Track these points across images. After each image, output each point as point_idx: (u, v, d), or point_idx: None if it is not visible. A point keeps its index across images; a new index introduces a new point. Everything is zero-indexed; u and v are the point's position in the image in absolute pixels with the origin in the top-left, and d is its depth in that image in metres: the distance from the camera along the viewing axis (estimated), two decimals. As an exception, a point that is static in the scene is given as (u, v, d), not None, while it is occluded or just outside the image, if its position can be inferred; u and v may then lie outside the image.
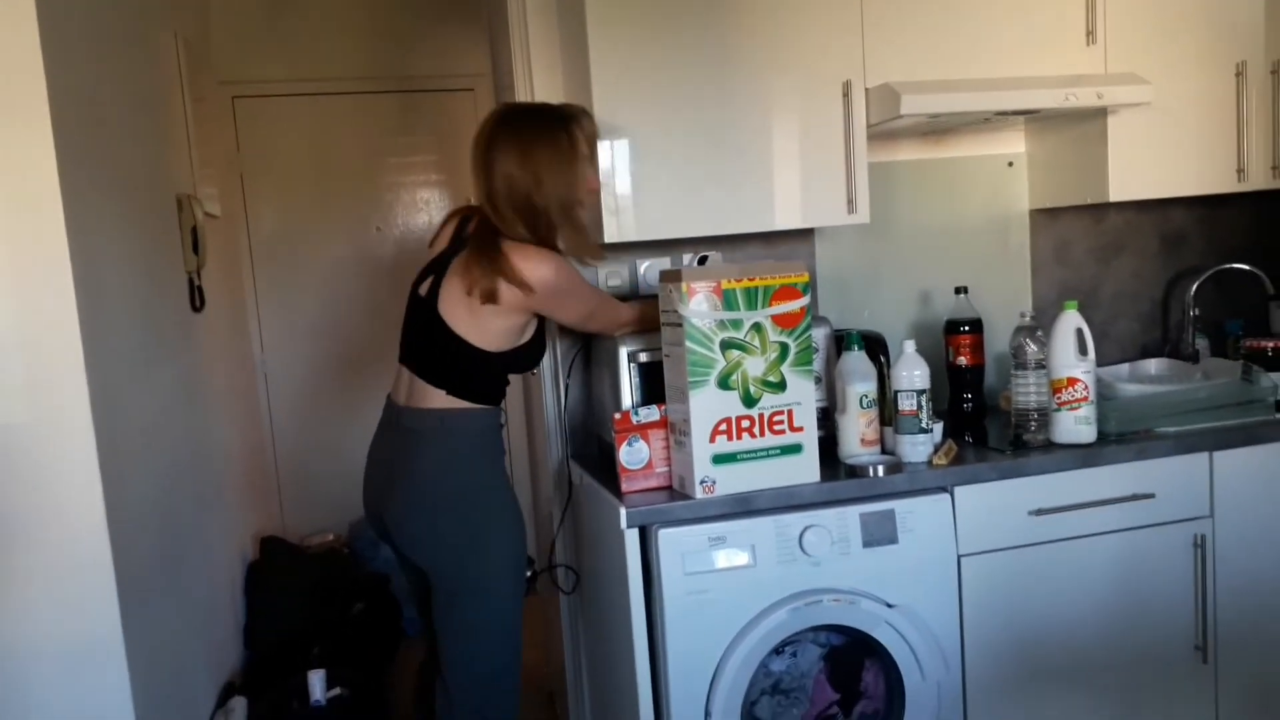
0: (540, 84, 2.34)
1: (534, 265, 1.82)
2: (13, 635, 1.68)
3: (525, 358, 1.95)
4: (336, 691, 2.46)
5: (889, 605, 1.95)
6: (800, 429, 1.93)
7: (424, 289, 1.91)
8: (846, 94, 2.15)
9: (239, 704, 2.35)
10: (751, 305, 1.88)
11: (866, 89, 2.17)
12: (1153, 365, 2.62)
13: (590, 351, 2.35)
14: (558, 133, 1.86)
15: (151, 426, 2.10)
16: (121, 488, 1.81)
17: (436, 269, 1.91)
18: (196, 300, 2.66)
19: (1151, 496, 2.10)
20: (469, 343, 1.85)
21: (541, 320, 1.96)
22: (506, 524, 1.92)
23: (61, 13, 1.75)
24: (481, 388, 1.91)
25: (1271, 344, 2.33)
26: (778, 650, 1.97)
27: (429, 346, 1.89)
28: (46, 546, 1.68)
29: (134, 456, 1.93)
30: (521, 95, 2.35)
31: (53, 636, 1.69)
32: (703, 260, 2.41)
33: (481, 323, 1.84)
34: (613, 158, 2.07)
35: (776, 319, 1.90)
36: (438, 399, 1.88)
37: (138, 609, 1.83)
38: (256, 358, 4.11)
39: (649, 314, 2.02)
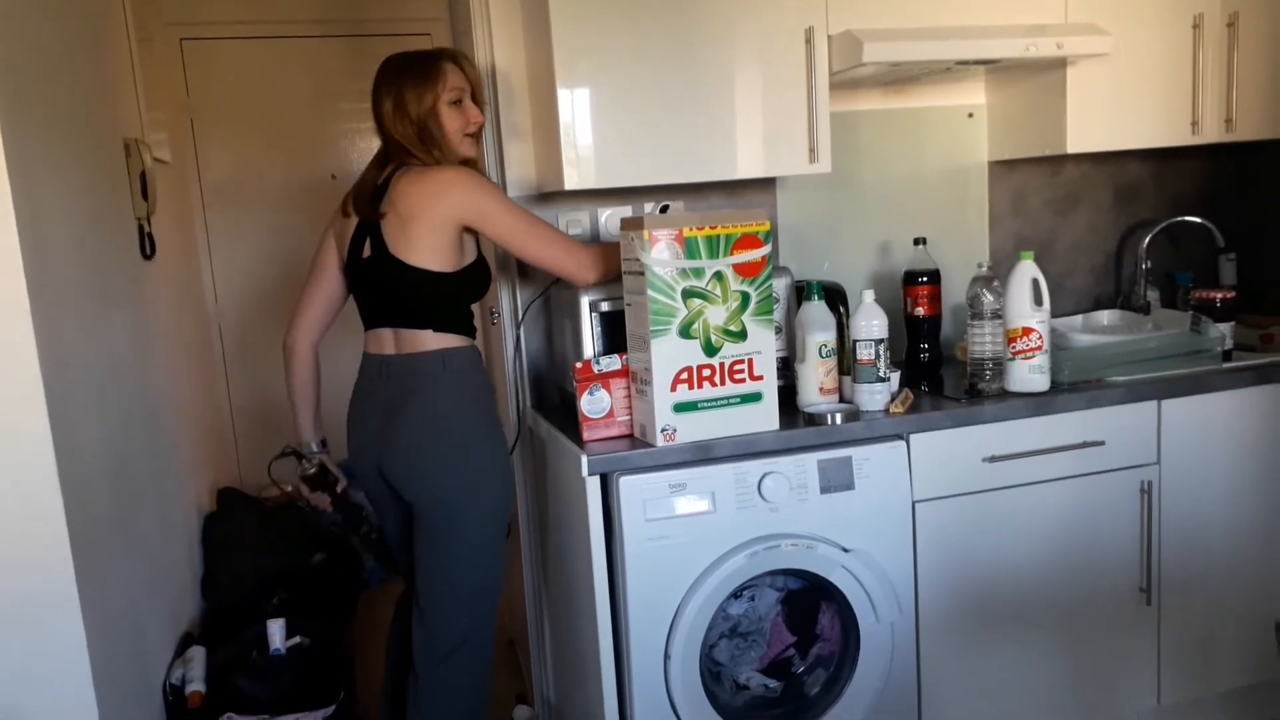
0: (499, 30, 2.29)
1: (432, 174, 1.95)
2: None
3: (475, 278, 2.02)
4: (296, 640, 2.45)
5: (845, 550, 1.98)
6: (760, 378, 1.94)
7: (366, 251, 1.98)
8: (809, 40, 2.14)
9: (197, 653, 2.34)
10: (713, 254, 1.87)
11: (829, 36, 2.15)
12: (1105, 316, 2.67)
13: (551, 301, 2.34)
14: (424, 62, 1.99)
15: (102, 377, 2.06)
16: (72, 439, 1.77)
17: (369, 231, 1.97)
18: (146, 247, 2.60)
19: (1101, 444, 2.15)
20: (427, 269, 1.93)
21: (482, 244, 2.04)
22: (503, 460, 2.04)
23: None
24: (455, 313, 2.01)
25: (1220, 295, 2.38)
26: (736, 594, 2.00)
27: (399, 293, 1.97)
28: (-2, 500, 1.65)
29: (84, 407, 1.89)
30: (479, 41, 2.31)
31: (5, 591, 1.66)
32: (664, 209, 2.40)
33: (423, 245, 1.92)
34: (574, 105, 2.05)
35: (738, 268, 1.90)
36: (428, 340, 1.98)
37: (92, 562, 1.80)
38: (210, 307, 4.04)
39: (611, 255, 2.01)
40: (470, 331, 2.04)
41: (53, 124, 1.93)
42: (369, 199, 1.98)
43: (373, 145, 2.05)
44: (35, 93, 1.83)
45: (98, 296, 2.10)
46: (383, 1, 3.97)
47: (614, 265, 2.00)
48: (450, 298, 1.99)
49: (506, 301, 2.40)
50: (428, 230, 1.92)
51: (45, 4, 1.99)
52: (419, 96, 1.96)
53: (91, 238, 2.11)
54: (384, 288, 1.99)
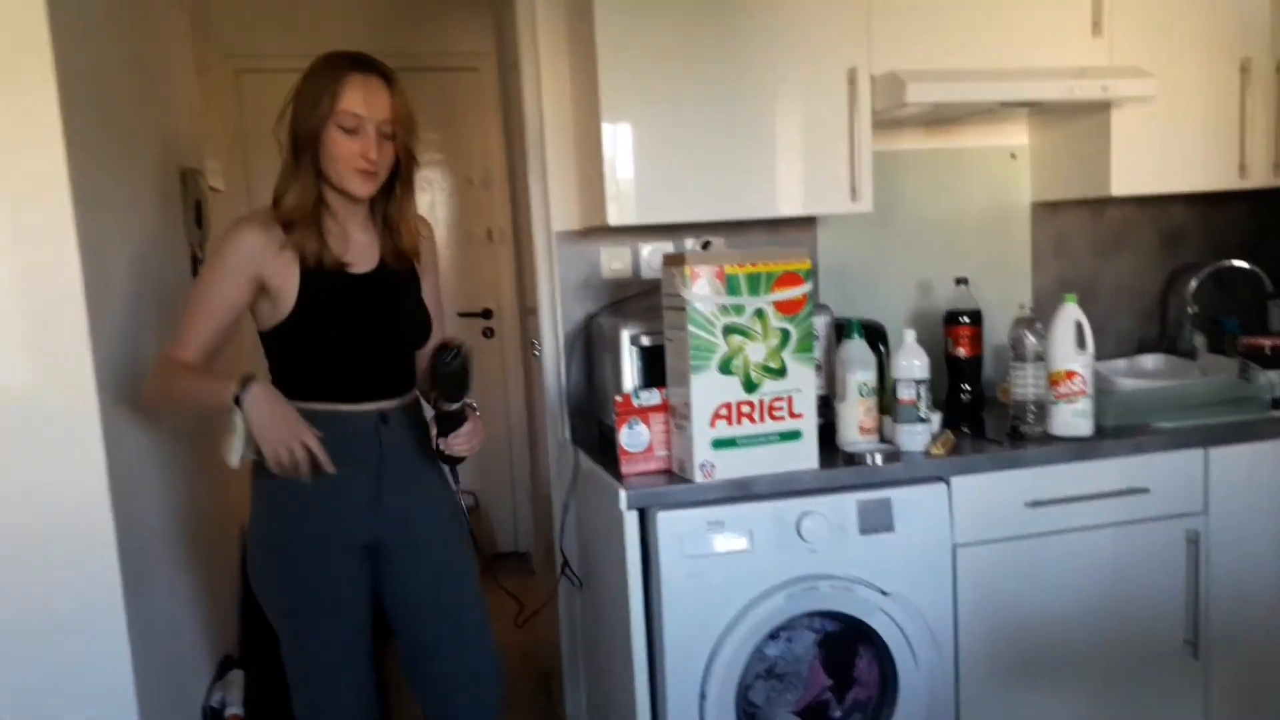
0: (546, 65, 2.33)
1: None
2: (16, 603, 1.69)
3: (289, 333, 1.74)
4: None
5: (884, 593, 1.96)
6: (800, 415, 1.94)
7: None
8: (852, 81, 2.15)
9: (236, 677, 2.36)
10: (754, 291, 1.88)
11: (872, 77, 2.17)
12: (1150, 361, 2.63)
13: (591, 334, 2.36)
14: (330, 68, 1.70)
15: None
16: (124, 458, 1.81)
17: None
18: (198, 273, 2.66)
19: (1146, 491, 2.12)
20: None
21: (304, 295, 1.72)
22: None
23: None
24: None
25: (1269, 342, 2.35)
26: (773, 635, 1.99)
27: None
28: (51, 516, 1.69)
29: (136, 428, 1.93)
30: (527, 77, 2.35)
31: (53, 606, 1.70)
32: (706, 245, 2.41)
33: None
34: (617, 141, 2.07)
35: (779, 305, 1.90)
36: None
37: (139, 579, 1.84)
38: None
39: (173, 389, 1.74)
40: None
41: (114, 153, 1.99)
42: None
43: (419, 176, 1.96)
44: (99, 123, 1.89)
45: (153, 319, 2.16)
46: (432, 36, 4.05)
47: (166, 398, 1.79)
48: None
49: (549, 334, 2.42)
50: None
51: (110, 39, 2.06)
52: (311, 103, 1.68)
53: (147, 264, 2.16)
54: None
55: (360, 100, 1.68)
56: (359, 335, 1.77)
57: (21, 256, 1.66)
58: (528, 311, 2.95)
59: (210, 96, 3.19)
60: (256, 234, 1.71)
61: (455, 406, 1.80)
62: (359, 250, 1.80)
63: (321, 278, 1.73)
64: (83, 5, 1.85)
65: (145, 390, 1.79)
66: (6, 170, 1.64)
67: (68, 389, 1.68)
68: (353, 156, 1.69)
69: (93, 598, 1.72)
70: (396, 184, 1.80)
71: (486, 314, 4.28)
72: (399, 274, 1.84)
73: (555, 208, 2.38)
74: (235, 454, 1.66)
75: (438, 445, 1.82)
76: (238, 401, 1.63)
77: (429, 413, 1.87)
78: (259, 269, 1.70)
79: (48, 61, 1.63)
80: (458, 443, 1.81)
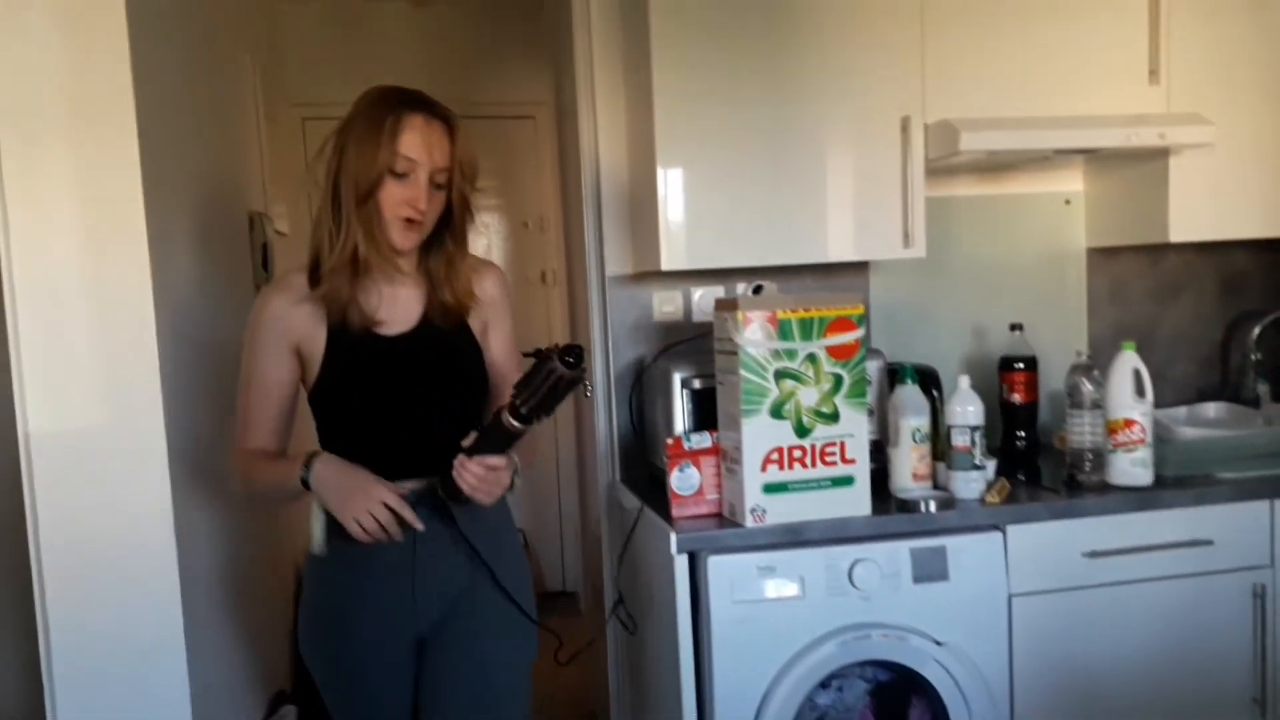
0: (603, 113, 2.38)
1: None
2: (82, 633, 1.74)
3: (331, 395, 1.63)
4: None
5: (938, 643, 1.93)
6: (852, 461, 1.93)
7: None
8: (905, 129, 2.17)
9: (289, 712, 2.39)
10: (806, 336, 1.89)
11: (925, 124, 2.18)
12: (1211, 409, 2.58)
13: (643, 376, 2.38)
14: (385, 107, 1.56)
15: (217, 439, 2.16)
16: (188, 497, 1.87)
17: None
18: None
19: (1210, 543, 2.07)
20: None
21: (330, 356, 1.62)
22: None
23: (150, 32, 1.82)
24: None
25: (1336, 391, 2.29)
26: (824, 684, 1.96)
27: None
28: (118, 549, 1.74)
29: (200, 467, 1.99)
30: (584, 125, 2.40)
31: (118, 638, 1.74)
32: (758, 290, 2.43)
33: None
34: (670, 186, 2.11)
35: (831, 350, 1.91)
36: None
37: (199, 614, 1.88)
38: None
39: (262, 477, 1.65)
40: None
41: (188, 196, 2.07)
42: None
43: (478, 222, 1.77)
44: (174, 168, 1.97)
45: (221, 361, 2.22)
46: (491, 85, 4.16)
47: (253, 497, 1.77)
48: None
49: (600, 376, 2.45)
50: None
51: (187, 88, 2.15)
52: (368, 145, 1.52)
53: (215, 306, 2.24)
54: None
55: (419, 144, 1.54)
56: (394, 400, 1.61)
57: (99, 299, 1.73)
58: (580, 353, 2.97)
59: (277, 142, 3.30)
60: (278, 300, 1.61)
61: (520, 426, 1.51)
62: (397, 307, 1.64)
63: (348, 338, 1.60)
64: (163, 59, 1.94)
65: (236, 487, 1.71)
66: (88, 216, 1.71)
67: (138, 426, 1.74)
68: (400, 204, 1.55)
69: (155, 633, 1.76)
70: (447, 236, 1.65)
71: (537, 354, 4.33)
72: (445, 331, 1.67)
73: (609, 252, 2.42)
74: (317, 542, 1.59)
75: (452, 476, 1.54)
76: (306, 484, 1.55)
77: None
78: (289, 336, 1.61)
79: (129, 110, 1.71)
80: (475, 474, 1.53)
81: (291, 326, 1.61)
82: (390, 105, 1.56)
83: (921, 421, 2.03)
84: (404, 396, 1.62)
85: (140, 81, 1.74)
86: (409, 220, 1.57)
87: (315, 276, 1.60)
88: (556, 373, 1.47)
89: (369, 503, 1.52)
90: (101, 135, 1.70)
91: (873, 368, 2.13)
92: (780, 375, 1.88)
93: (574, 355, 1.47)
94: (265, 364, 1.62)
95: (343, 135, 1.56)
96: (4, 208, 1.68)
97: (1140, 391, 2.05)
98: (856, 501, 1.94)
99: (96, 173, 1.71)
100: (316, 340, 1.61)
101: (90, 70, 1.69)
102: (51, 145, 1.68)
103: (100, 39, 1.68)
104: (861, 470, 1.94)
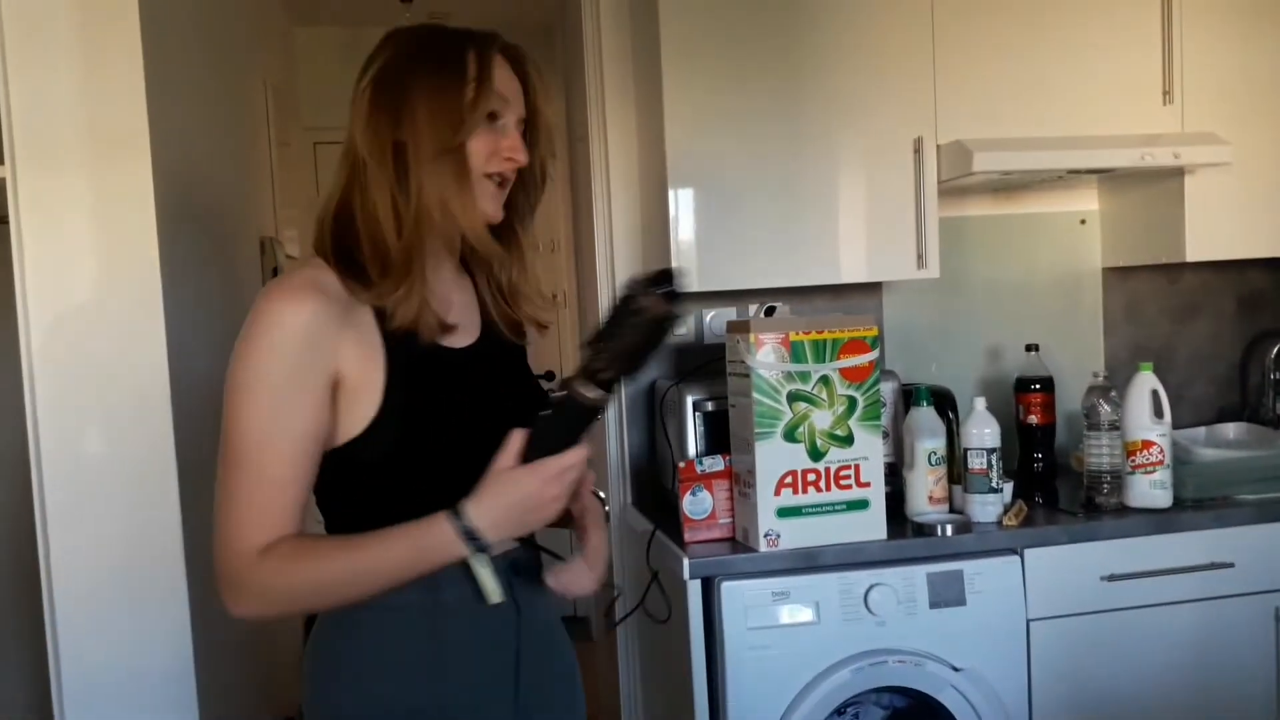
0: (614, 136, 2.39)
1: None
2: (94, 663, 1.73)
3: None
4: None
5: (955, 668, 1.91)
6: (867, 484, 1.91)
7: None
8: (918, 150, 2.16)
9: (297, 738, 2.38)
10: (819, 358, 1.88)
11: (938, 145, 2.17)
12: (1231, 430, 2.55)
13: (654, 398, 2.37)
14: (453, 44, 1.16)
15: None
16: (200, 522, 1.86)
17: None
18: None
19: (1230, 566, 2.04)
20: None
21: (389, 399, 1.12)
22: None
23: (164, 61, 1.84)
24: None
25: (1358, 411, 2.26)
26: (840, 710, 1.94)
27: None
28: (130, 577, 1.74)
29: (211, 496, 1.99)
30: (595, 145, 2.41)
31: (130, 667, 1.73)
32: (770, 311, 2.42)
33: None
34: (679, 208, 2.10)
35: (844, 372, 1.89)
36: None
37: (209, 642, 1.87)
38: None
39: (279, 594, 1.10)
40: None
41: (200, 220, 2.08)
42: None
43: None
44: (187, 192, 1.99)
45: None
46: (500, 107, 4.18)
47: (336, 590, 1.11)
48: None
49: (613, 406, 2.44)
50: None
51: (200, 112, 2.17)
52: (450, 83, 1.11)
53: (225, 333, 2.24)
54: None
55: (509, 80, 1.16)
56: (486, 439, 1.11)
57: (112, 324, 1.73)
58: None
59: (288, 166, 3.32)
60: (311, 305, 1.08)
61: (602, 397, 1.09)
62: (452, 309, 1.20)
63: (413, 356, 1.13)
64: (178, 87, 1.95)
65: (252, 609, 1.12)
66: (101, 243, 1.72)
67: (151, 450, 1.74)
68: (491, 157, 1.13)
69: (166, 663, 1.76)
70: (514, 219, 1.23)
71: (550, 376, 4.33)
72: (507, 346, 1.29)
73: (620, 273, 2.41)
74: (496, 592, 1.12)
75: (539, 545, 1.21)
76: (473, 540, 1.08)
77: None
78: (332, 361, 1.09)
79: (144, 140, 1.72)
80: (576, 576, 1.26)
81: (337, 348, 1.09)
82: (461, 37, 1.16)
83: (937, 444, 2.01)
84: (494, 432, 1.12)
85: (155, 111, 1.75)
86: (500, 178, 1.16)
87: (352, 273, 1.12)
88: (648, 311, 1.04)
89: (552, 490, 1.11)
90: (116, 164, 1.72)
91: (887, 390, 2.11)
92: (793, 398, 1.86)
93: (665, 281, 1.05)
94: (293, 410, 1.07)
95: (395, 81, 1.14)
96: (19, 235, 1.69)
97: (1158, 412, 2.03)
98: (872, 525, 1.92)
99: (111, 202, 1.72)
100: (369, 365, 1.10)
101: (106, 100, 1.71)
102: (66, 174, 1.70)
103: (115, 69, 1.70)
104: (876, 494, 1.92)
